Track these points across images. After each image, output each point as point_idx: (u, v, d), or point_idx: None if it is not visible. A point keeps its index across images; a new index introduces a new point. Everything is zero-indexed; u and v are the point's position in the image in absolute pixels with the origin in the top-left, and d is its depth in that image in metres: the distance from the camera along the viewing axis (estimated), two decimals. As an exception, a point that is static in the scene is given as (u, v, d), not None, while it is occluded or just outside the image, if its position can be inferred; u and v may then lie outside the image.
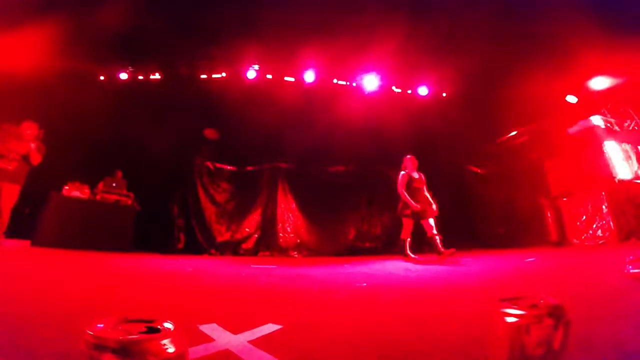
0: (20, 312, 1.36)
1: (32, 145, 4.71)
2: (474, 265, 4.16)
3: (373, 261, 5.30)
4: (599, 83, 6.79)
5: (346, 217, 8.24)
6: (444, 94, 8.72)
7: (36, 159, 4.79)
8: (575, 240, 6.59)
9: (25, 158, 4.75)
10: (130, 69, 7.88)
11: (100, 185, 6.31)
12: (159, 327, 0.56)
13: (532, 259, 4.36)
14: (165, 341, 0.51)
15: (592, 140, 6.80)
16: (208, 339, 1.15)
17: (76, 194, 5.92)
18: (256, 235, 7.62)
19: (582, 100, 7.17)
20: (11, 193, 4.67)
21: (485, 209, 8.71)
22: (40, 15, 5.37)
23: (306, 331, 1.32)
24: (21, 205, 4.77)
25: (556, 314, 0.66)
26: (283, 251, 7.44)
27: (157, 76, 7.99)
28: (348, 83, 8.49)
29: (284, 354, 1.04)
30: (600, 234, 6.20)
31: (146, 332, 0.54)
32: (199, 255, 6.65)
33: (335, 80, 8.42)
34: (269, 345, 1.09)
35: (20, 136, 4.68)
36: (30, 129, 4.75)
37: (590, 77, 6.76)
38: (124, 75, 7.88)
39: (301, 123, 7.79)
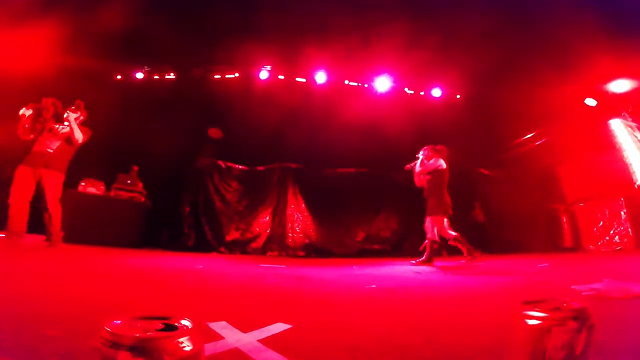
0: (27, 310, 1.36)
1: (70, 117, 4.09)
2: (485, 270, 4.08)
3: (382, 263, 5.25)
4: (619, 86, 6.61)
5: (355, 219, 8.20)
6: (458, 96, 8.62)
7: (78, 137, 4.15)
8: (591, 247, 6.43)
9: (68, 139, 4.14)
10: (146, 68, 8.02)
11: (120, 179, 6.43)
12: (176, 324, 0.55)
13: (545, 265, 4.26)
14: (182, 339, 0.50)
15: (611, 145, 6.63)
16: (218, 336, 1.15)
17: (92, 190, 6.04)
18: (265, 235, 7.64)
19: (602, 103, 6.99)
20: (54, 181, 4.02)
21: (498, 214, 8.56)
22: (59, 15, 5.49)
23: (316, 332, 1.31)
24: (36, 200, 4.48)
25: (580, 317, 0.64)
26: (292, 251, 7.45)
27: (171, 76, 8.11)
28: (360, 84, 8.46)
29: (293, 353, 1.03)
30: (618, 240, 6.03)
31: (163, 330, 0.53)
32: (209, 253, 6.71)
33: (346, 82, 8.41)
34: (279, 345, 1.08)
35: (60, 114, 4.13)
36: (73, 109, 4.22)
37: (609, 80, 6.59)
38: (139, 75, 8.03)
39: (312, 124, 7.80)
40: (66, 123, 4.16)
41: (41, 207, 3.97)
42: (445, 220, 4.65)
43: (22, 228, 3.83)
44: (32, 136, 4.03)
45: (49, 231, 4.01)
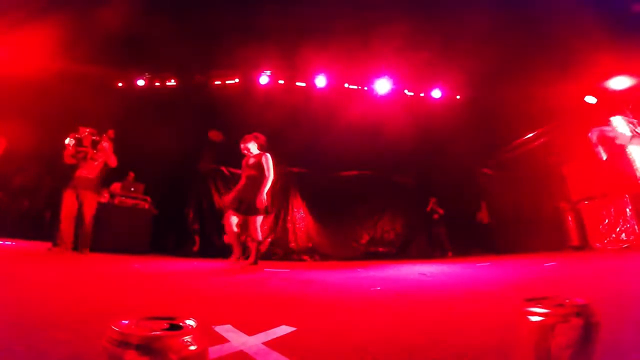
0: (35, 314, 1.38)
1: (106, 146, 4.98)
2: (491, 270, 4.06)
3: (387, 266, 5.23)
4: (620, 83, 6.57)
5: (359, 222, 8.19)
6: (458, 97, 8.61)
7: (113, 163, 5.05)
8: (597, 245, 6.37)
9: (104, 165, 5.04)
10: (147, 75, 8.09)
11: (114, 186, 6.46)
12: (181, 324, 0.56)
13: (552, 264, 4.23)
14: (187, 338, 0.51)
15: (614, 142, 6.58)
16: (223, 339, 1.15)
17: (96, 198, 6.08)
18: (269, 240, 7.64)
19: (602, 101, 6.95)
20: (92, 202, 4.93)
21: (503, 213, 8.52)
22: (60, 22, 5.56)
23: (320, 334, 1.31)
24: (42, 209, 4.86)
25: (584, 313, 0.63)
26: (296, 255, 7.44)
27: (172, 83, 8.17)
28: (360, 87, 8.48)
29: (298, 356, 1.03)
30: (624, 238, 5.97)
31: (169, 329, 0.54)
32: (214, 258, 6.71)
33: (347, 85, 8.43)
34: (284, 347, 1.09)
35: (96, 141, 4.98)
36: (107, 138, 5.06)
37: (610, 77, 6.55)
38: (141, 82, 8.09)
39: (314, 128, 7.82)
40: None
41: (78, 220, 4.82)
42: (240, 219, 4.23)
43: (70, 240, 4.74)
44: (74, 162, 4.89)
45: (83, 239, 4.82)
